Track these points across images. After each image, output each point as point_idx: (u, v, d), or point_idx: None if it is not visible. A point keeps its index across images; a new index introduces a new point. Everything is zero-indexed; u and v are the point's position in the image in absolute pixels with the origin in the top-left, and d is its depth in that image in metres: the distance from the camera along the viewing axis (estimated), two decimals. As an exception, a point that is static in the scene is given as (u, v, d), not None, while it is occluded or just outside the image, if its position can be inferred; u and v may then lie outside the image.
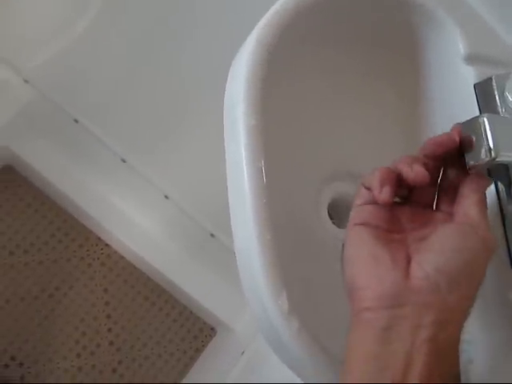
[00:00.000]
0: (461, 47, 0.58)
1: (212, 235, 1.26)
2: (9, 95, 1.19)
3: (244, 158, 0.47)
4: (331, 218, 0.64)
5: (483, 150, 0.43)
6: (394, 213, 0.45)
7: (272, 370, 1.07)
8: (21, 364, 1.29)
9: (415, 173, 0.42)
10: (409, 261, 0.41)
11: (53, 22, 1.22)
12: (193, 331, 1.42)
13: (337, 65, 0.59)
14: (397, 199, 0.46)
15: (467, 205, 0.43)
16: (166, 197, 1.25)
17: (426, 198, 0.46)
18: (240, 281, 0.49)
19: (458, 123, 0.45)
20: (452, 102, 0.59)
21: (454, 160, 0.45)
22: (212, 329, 1.43)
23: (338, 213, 0.66)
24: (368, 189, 0.44)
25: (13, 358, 1.29)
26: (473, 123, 0.44)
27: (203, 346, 1.42)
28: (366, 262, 0.41)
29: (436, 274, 0.39)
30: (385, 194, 0.42)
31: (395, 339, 0.39)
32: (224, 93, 0.54)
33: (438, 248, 0.41)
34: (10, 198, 1.36)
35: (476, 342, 0.52)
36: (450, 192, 0.45)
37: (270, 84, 0.49)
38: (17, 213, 1.35)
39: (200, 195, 1.23)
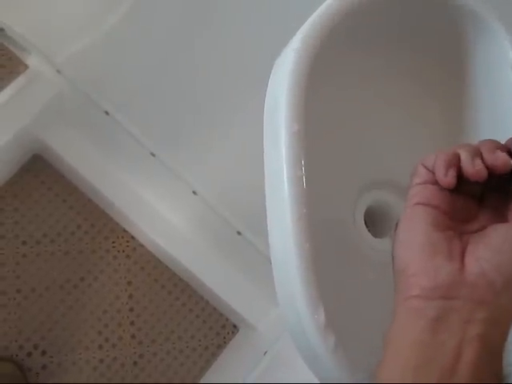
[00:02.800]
0: (511, 55, 0.55)
1: (239, 233, 1.25)
2: (41, 85, 1.19)
3: (285, 167, 0.45)
4: (367, 227, 0.63)
5: None
6: (450, 198, 0.43)
7: (294, 372, 1.06)
8: (43, 353, 1.29)
9: (476, 170, 0.41)
10: (463, 252, 0.41)
11: (87, 12, 1.21)
12: (215, 328, 1.42)
13: (382, 71, 0.58)
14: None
15: None
16: (194, 192, 1.24)
17: (474, 189, 0.44)
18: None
19: None
20: (500, 112, 0.57)
21: None
22: (235, 326, 1.43)
23: (373, 221, 0.64)
24: (428, 169, 0.43)
25: (36, 347, 1.29)
26: None
27: (225, 342, 1.42)
28: (423, 248, 0.40)
29: (493, 273, 0.39)
30: (450, 177, 0.41)
31: (445, 331, 0.38)
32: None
33: (498, 246, 0.40)
34: (38, 187, 1.36)
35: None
36: (497, 189, 0.44)
37: (313, 90, 0.48)
38: (45, 202, 1.36)
39: (228, 192, 1.22)
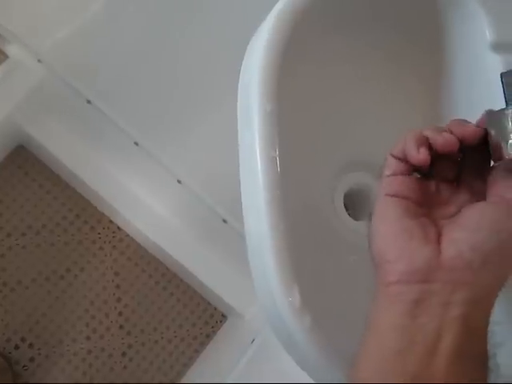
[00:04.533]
0: (488, 35, 0.55)
1: (224, 221, 1.24)
2: (21, 75, 1.18)
3: (258, 148, 0.45)
4: (346, 210, 0.62)
5: (509, 145, 0.41)
6: (421, 186, 0.43)
7: (282, 359, 1.06)
8: (31, 345, 1.29)
9: (445, 139, 0.41)
10: (439, 236, 0.40)
11: (67, 1, 1.20)
12: (203, 317, 1.41)
13: (357, 51, 0.57)
14: (416, 174, 0.44)
15: (503, 187, 0.42)
16: (179, 181, 1.23)
17: (447, 173, 0.44)
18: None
19: (486, 111, 0.43)
20: (476, 91, 0.56)
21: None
22: (223, 315, 1.42)
23: (353, 204, 0.64)
24: (397, 158, 0.43)
25: (23, 340, 1.29)
26: (499, 115, 0.42)
27: (213, 331, 1.41)
28: (397, 235, 0.40)
29: (470, 253, 0.39)
30: (423, 154, 0.41)
31: (424, 314, 0.38)
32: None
33: (474, 226, 0.40)
34: (22, 178, 1.35)
35: (506, 324, 0.51)
36: (472, 171, 0.44)
37: (287, 69, 0.47)
38: (29, 193, 1.35)
39: (213, 180, 1.21)
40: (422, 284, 0.38)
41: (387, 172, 0.43)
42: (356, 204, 0.63)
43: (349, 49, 0.56)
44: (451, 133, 0.41)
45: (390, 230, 0.41)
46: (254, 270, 0.46)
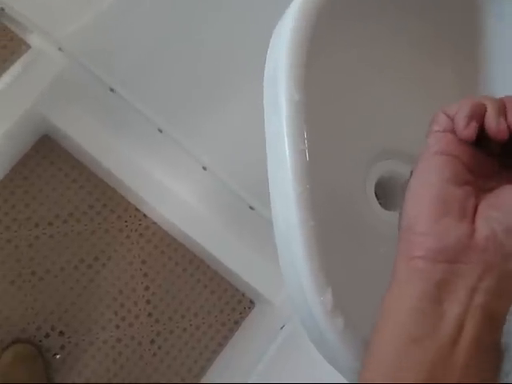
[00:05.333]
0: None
1: (251, 208, 1.23)
2: (43, 64, 1.17)
3: (286, 141, 0.43)
4: (378, 199, 0.60)
5: None
6: (470, 150, 0.39)
7: (312, 346, 1.04)
8: (61, 333, 1.30)
9: (499, 129, 0.37)
10: (475, 211, 0.37)
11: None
12: (231, 303, 1.41)
13: (389, 36, 0.54)
14: None
15: None
16: (204, 168, 1.21)
17: (495, 147, 0.40)
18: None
19: None
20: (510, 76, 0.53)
21: None
22: (251, 301, 1.42)
23: (384, 193, 0.61)
24: (449, 117, 0.39)
25: (53, 328, 1.29)
26: None
27: (242, 318, 1.41)
28: (434, 205, 0.37)
29: (504, 234, 0.36)
30: (470, 130, 0.37)
31: (448, 299, 0.35)
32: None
33: (510, 208, 0.37)
34: (48, 168, 1.35)
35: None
36: None
37: (314, 56, 0.45)
38: (55, 183, 1.35)
39: (239, 167, 1.19)
40: (450, 264, 0.36)
41: (436, 127, 0.39)
42: (387, 193, 0.61)
43: (382, 34, 0.54)
44: (505, 117, 0.38)
45: (428, 195, 0.37)
46: (284, 267, 0.44)
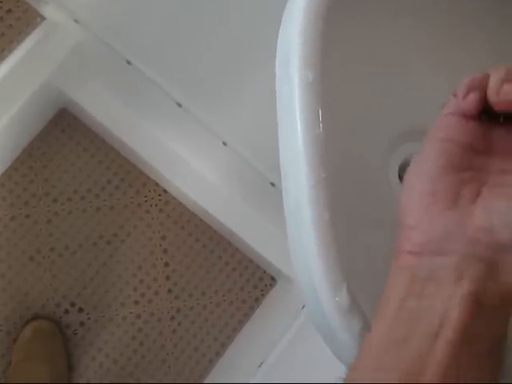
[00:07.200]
0: None
1: (272, 184, 1.19)
2: (59, 37, 1.14)
3: (299, 126, 0.39)
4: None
5: None
6: (484, 128, 0.36)
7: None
8: (80, 310, 1.29)
9: (499, 98, 0.33)
10: (477, 195, 0.34)
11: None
12: (252, 280, 1.38)
13: (411, 8, 0.49)
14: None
15: None
16: (224, 143, 1.18)
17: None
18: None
19: None
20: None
21: None
22: (272, 278, 1.39)
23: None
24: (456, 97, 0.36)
25: (72, 304, 1.29)
26: None
27: (263, 295, 1.38)
28: (423, 196, 0.34)
29: (502, 230, 0.32)
30: (468, 102, 0.34)
31: (432, 294, 0.33)
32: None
33: None
34: (66, 142, 1.33)
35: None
36: None
37: (329, 32, 0.41)
38: (74, 158, 1.33)
39: (260, 143, 1.16)
40: (436, 257, 0.33)
41: (445, 109, 0.36)
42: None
43: (396, 10, 0.49)
44: None
45: (419, 186, 0.34)
46: (295, 266, 0.40)
